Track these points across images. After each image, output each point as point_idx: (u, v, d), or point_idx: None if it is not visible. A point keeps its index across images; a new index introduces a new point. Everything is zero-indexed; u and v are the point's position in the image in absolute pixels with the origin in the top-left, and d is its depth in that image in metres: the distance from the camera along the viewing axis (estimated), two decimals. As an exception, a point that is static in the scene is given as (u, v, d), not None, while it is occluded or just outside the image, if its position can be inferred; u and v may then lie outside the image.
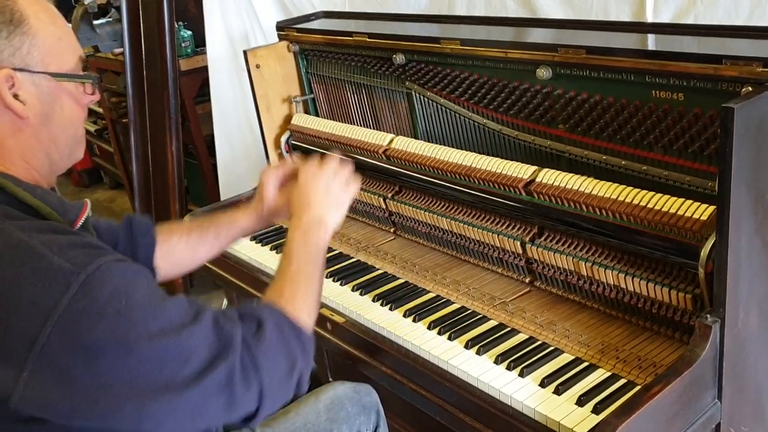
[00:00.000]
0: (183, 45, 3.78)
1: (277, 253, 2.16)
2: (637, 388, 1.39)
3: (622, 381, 1.42)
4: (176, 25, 3.68)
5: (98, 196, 5.78)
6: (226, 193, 3.40)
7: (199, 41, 3.90)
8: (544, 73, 1.68)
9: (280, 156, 2.52)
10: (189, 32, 3.82)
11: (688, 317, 1.46)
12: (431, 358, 1.59)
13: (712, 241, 1.36)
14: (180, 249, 1.66)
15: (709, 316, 1.36)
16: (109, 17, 4.52)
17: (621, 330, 1.58)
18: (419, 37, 1.99)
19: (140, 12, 3.75)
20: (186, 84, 3.78)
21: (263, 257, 2.16)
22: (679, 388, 1.31)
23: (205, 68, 3.83)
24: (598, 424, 1.25)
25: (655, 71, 1.47)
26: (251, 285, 2.16)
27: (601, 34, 1.82)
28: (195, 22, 3.97)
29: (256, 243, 2.24)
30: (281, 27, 2.47)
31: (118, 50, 4.18)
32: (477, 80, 1.88)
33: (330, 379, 2.69)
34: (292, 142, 2.46)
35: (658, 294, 1.49)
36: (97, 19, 4.40)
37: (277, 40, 2.60)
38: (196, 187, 4.12)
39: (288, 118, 2.52)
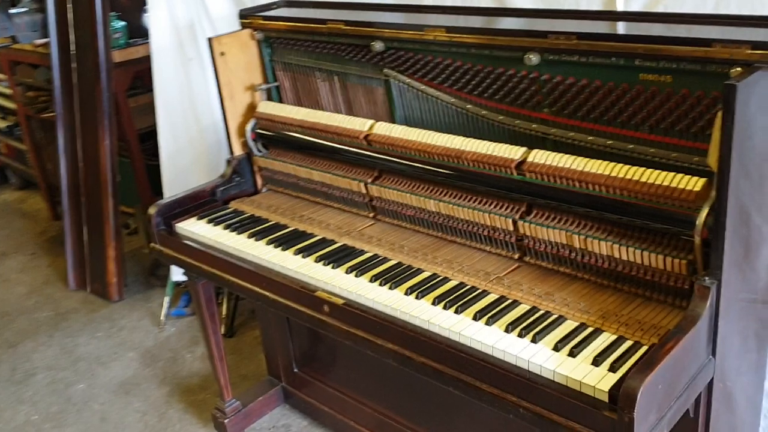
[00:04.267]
0: (115, 36, 3.66)
1: (230, 231, 2.24)
2: (644, 347, 1.50)
3: (629, 342, 1.53)
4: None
5: (6, 197, 5.47)
6: (169, 186, 3.32)
7: (133, 32, 3.79)
8: (532, 58, 1.77)
9: (244, 144, 2.51)
10: (122, 23, 3.69)
11: (681, 282, 1.59)
12: (441, 331, 1.64)
13: (706, 210, 1.48)
14: None
15: (707, 278, 1.48)
16: (23, 6, 4.30)
17: (614, 298, 1.69)
18: (402, 25, 2.04)
19: (68, 1, 3.60)
20: (118, 77, 3.67)
21: (222, 237, 2.21)
22: (686, 345, 1.42)
23: (139, 60, 3.75)
24: (626, 378, 1.34)
25: (646, 54, 1.59)
26: (210, 264, 2.18)
27: (572, 22, 1.92)
28: (127, 12, 3.86)
29: (213, 225, 2.29)
30: (244, 15, 2.46)
31: (40, 41, 3.98)
32: (461, 67, 1.95)
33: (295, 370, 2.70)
34: (258, 130, 2.45)
35: (653, 262, 1.60)
36: (13, 7, 4.17)
37: (228, 29, 2.58)
38: (125, 187, 3.94)
39: (251, 107, 2.51)
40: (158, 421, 2.89)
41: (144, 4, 3.84)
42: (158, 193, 4.00)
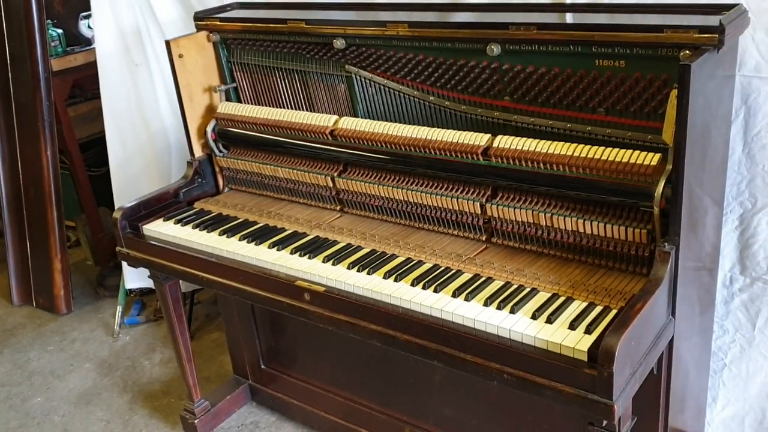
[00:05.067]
0: (52, 44, 3.60)
1: (200, 230, 2.26)
2: (614, 311, 1.63)
3: (600, 308, 1.65)
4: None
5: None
6: (120, 193, 3.29)
7: (70, 40, 3.74)
8: (494, 49, 1.88)
9: (204, 145, 2.53)
10: (59, 31, 3.64)
11: (642, 250, 1.72)
12: (424, 309, 1.73)
13: (663, 182, 1.62)
14: None
15: (666, 244, 1.62)
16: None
17: (579, 270, 1.82)
18: (364, 22, 2.12)
19: (2, 9, 3.53)
20: (56, 86, 3.60)
21: (193, 236, 2.24)
22: (652, 305, 1.55)
23: (77, 68, 3.70)
24: (603, 337, 1.46)
25: (602, 41, 1.72)
26: (183, 263, 2.21)
27: (523, 14, 2.04)
28: (62, 20, 3.80)
29: (181, 225, 2.31)
30: (200, 17, 2.48)
31: (-30, 51, 3.87)
32: (423, 60, 2.04)
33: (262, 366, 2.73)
34: (220, 129, 2.48)
35: (616, 233, 1.73)
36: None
37: (177, 33, 2.61)
38: (65, 199, 3.80)
39: (209, 108, 2.53)
40: (123, 428, 2.87)
41: (80, 11, 3.82)
42: (101, 203, 3.96)
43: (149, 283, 3.31)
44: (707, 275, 2.02)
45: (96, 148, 4.01)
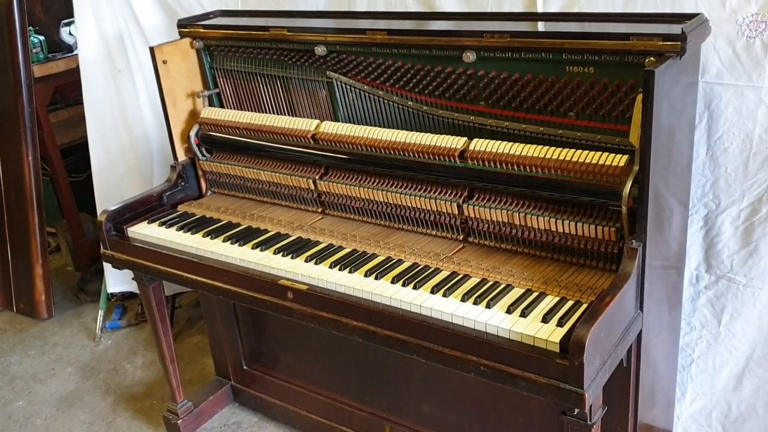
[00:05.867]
0: (34, 51, 3.63)
1: (184, 232, 2.31)
2: (584, 305, 1.70)
3: (571, 302, 1.73)
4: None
5: None
6: (102, 198, 3.33)
7: (52, 47, 3.77)
8: (470, 56, 1.95)
9: (188, 149, 2.58)
10: (41, 37, 3.67)
11: (611, 248, 1.80)
12: (403, 305, 1.79)
13: (630, 182, 1.70)
14: None
15: (634, 241, 1.70)
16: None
17: (552, 267, 1.90)
18: (344, 29, 2.19)
19: (-17, 16, 3.55)
20: (38, 91, 3.62)
21: (178, 238, 2.28)
22: (621, 298, 1.63)
23: (59, 75, 3.73)
24: (574, 329, 1.53)
25: (572, 49, 1.80)
26: (168, 264, 2.25)
27: (498, 23, 2.12)
28: (44, 26, 3.83)
29: (166, 227, 2.36)
30: (183, 24, 2.53)
31: (-49, 58, 3.88)
32: (401, 67, 2.11)
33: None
34: (203, 134, 2.53)
35: (586, 231, 1.81)
36: None
37: (160, 39, 2.67)
38: (45, 205, 3.80)
39: (192, 113, 2.58)
40: (106, 430, 2.89)
41: (61, 18, 3.85)
42: (82, 209, 3.99)
43: (131, 287, 3.36)
44: (675, 273, 2.11)
45: (77, 154, 4.04)
